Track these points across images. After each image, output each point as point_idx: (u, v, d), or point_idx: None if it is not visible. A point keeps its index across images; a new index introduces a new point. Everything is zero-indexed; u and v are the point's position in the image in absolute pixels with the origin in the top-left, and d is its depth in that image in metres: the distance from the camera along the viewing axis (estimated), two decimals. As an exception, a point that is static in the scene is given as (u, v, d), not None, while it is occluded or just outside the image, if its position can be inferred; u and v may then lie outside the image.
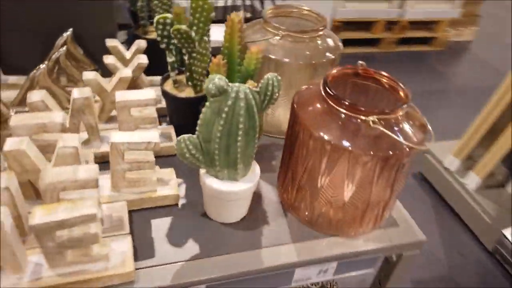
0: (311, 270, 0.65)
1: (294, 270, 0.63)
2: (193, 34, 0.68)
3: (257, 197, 0.72)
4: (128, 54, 0.86)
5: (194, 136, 0.57)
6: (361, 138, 0.57)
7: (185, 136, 0.57)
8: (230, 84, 0.53)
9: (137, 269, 0.57)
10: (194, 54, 0.71)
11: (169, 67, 0.76)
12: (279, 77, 0.57)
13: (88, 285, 0.53)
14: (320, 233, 0.66)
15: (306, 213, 0.67)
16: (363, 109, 0.56)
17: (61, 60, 0.78)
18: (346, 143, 0.56)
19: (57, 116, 0.61)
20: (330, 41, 0.82)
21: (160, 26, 0.71)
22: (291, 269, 0.63)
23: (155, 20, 0.70)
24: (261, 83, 0.56)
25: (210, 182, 0.60)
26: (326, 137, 0.57)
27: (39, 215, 0.47)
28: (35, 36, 0.84)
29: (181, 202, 0.69)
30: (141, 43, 0.86)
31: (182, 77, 0.80)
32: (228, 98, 0.53)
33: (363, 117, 0.57)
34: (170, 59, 0.75)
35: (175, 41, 0.69)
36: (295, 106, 0.64)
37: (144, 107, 0.71)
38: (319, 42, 0.80)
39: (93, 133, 0.72)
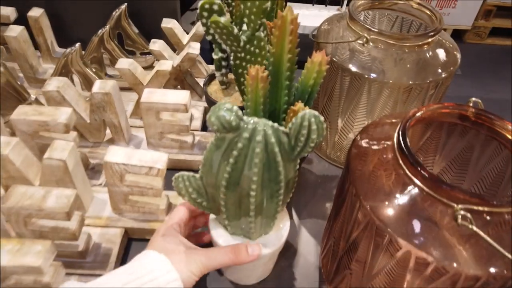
0: None
1: None
2: (235, 30, 0.51)
3: (291, 249, 0.55)
4: (186, 39, 0.73)
5: (197, 175, 0.42)
6: (438, 235, 0.35)
7: (185, 174, 0.42)
8: (245, 118, 0.36)
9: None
10: (240, 55, 0.54)
11: (214, 65, 0.61)
12: (321, 118, 0.37)
13: (43, 334, 0.43)
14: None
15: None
16: (449, 190, 0.34)
17: (105, 38, 0.68)
18: (411, 239, 0.35)
19: (63, 114, 0.51)
20: (441, 53, 0.58)
21: (205, 13, 0.55)
22: None
23: (199, 4, 0.55)
24: (292, 123, 0.37)
25: (216, 235, 0.45)
26: (381, 219, 0.37)
27: (-21, 252, 0.38)
28: (92, 8, 0.76)
29: (194, 238, 0.55)
30: (200, 27, 0.72)
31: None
32: (240, 139, 0.36)
33: (449, 202, 0.35)
34: (216, 55, 0.59)
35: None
36: (352, 153, 0.44)
37: (175, 112, 0.58)
38: (427, 53, 0.56)
39: (117, 132, 0.62)
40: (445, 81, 0.57)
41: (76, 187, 0.49)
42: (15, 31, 0.66)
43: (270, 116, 0.51)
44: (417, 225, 0.36)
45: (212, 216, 0.47)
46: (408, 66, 0.55)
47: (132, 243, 0.54)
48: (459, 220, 0.33)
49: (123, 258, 0.52)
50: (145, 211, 0.53)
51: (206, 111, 0.71)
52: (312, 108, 0.62)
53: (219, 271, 0.51)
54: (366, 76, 0.55)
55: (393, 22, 0.68)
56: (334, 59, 0.57)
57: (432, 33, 0.55)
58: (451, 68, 0.57)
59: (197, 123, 0.68)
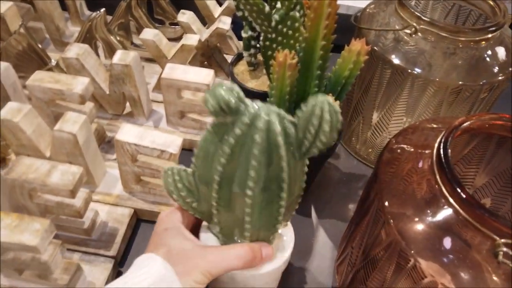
0: None
1: None
2: (267, 8, 0.46)
3: (306, 248, 0.51)
4: (218, 12, 0.69)
5: (189, 170, 0.36)
6: (471, 268, 0.31)
7: (175, 167, 0.36)
8: (247, 101, 0.30)
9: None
10: (271, 35, 0.49)
11: (243, 44, 0.56)
12: (337, 107, 0.29)
13: (40, 310, 0.42)
14: None
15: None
16: (492, 219, 0.29)
17: (133, 5, 0.64)
18: (438, 268, 0.31)
19: (79, 84, 0.49)
20: (501, 52, 0.50)
21: (237, -14, 0.51)
22: None
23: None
24: (301, 111, 0.30)
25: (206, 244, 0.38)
26: (406, 240, 0.32)
27: (-23, 224, 0.36)
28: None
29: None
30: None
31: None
32: (238, 124, 0.30)
33: (490, 234, 0.30)
34: (245, 33, 0.55)
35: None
36: (384, 157, 0.39)
37: (197, 91, 0.55)
38: (484, 50, 0.49)
39: (136, 106, 0.59)
40: (501, 84, 0.50)
41: (86, 161, 0.47)
42: (43, -10, 0.64)
43: (295, 108, 0.46)
44: (447, 253, 0.31)
45: (204, 223, 0.39)
46: (460, 63, 0.49)
47: (141, 224, 0.52)
48: (500, 257, 0.29)
49: (130, 239, 0.50)
50: (156, 193, 0.51)
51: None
52: (345, 100, 0.57)
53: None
54: (409, 70, 0.49)
55: (448, 10, 0.60)
56: (375, 48, 0.52)
57: (493, 28, 0.48)
58: (511, 70, 0.50)
59: (221, 104, 0.65)
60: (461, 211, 0.31)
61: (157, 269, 0.32)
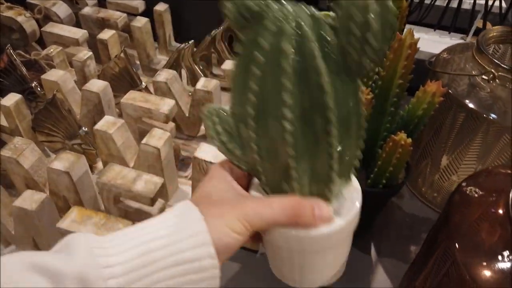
0: None
1: None
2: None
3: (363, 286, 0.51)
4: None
5: (230, 110, 0.30)
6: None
7: (215, 108, 0.30)
8: (271, 4, 0.24)
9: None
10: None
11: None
12: (389, 2, 0.22)
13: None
14: None
15: None
16: None
17: (217, 39, 0.70)
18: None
19: (166, 105, 0.54)
20: None
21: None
22: None
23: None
24: (338, 5, 0.23)
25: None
26: (477, 281, 0.32)
27: (70, 219, 0.41)
28: (210, 9, 0.79)
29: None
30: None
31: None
32: (263, 34, 0.24)
33: None
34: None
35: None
36: (454, 199, 0.39)
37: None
38: None
39: (210, 131, 0.63)
40: None
41: (164, 175, 0.52)
42: (141, 22, 0.72)
43: (367, 142, 0.47)
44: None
45: (255, 180, 0.32)
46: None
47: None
48: None
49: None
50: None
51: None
52: (415, 140, 0.57)
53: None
54: (485, 116, 0.49)
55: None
56: (449, 90, 0.52)
57: None
58: None
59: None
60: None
61: (189, 216, 0.27)
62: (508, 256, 0.32)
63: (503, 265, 0.32)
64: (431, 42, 0.87)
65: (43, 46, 0.72)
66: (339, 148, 0.26)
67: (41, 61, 0.63)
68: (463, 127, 0.52)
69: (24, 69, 0.59)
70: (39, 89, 0.60)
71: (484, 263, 0.33)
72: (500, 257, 0.33)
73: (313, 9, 0.24)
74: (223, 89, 0.73)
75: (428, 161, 0.59)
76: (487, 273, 0.32)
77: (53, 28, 0.70)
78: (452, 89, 0.52)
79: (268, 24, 0.23)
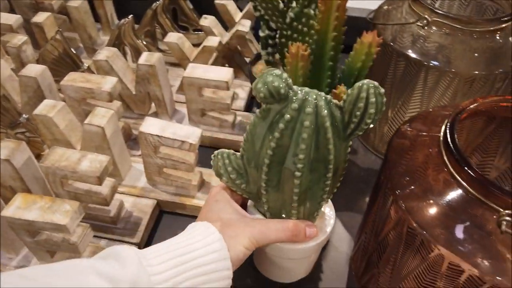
0: None
1: None
2: (281, 5, 0.48)
3: (326, 246, 0.52)
4: (238, 17, 0.72)
5: (238, 154, 0.39)
6: (477, 241, 0.31)
7: (225, 152, 0.39)
8: (295, 88, 0.32)
9: None
10: (286, 32, 0.52)
11: (260, 43, 0.59)
12: (382, 90, 0.32)
13: (70, 291, 0.45)
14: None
15: (374, 300, 0.44)
16: (495, 192, 0.30)
17: (158, 12, 0.68)
18: (444, 242, 0.31)
19: (107, 83, 0.53)
20: (516, 41, 0.51)
21: (254, -13, 0.53)
22: None
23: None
24: (347, 94, 0.32)
25: None
26: (414, 217, 0.33)
27: (15, 205, 0.40)
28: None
29: (224, 218, 0.54)
30: (253, 5, 0.70)
31: (281, 58, 0.62)
32: (287, 109, 0.32)
33: (494, 206, 0.30)
34: (262, 33, 0.57)
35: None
36: (393, 142, 0.40)
37: (217, 89, 0.57)
38: (499, 41, 0.50)
39: (160, 106, 0.62)
40: (516, 73, 0.50)
41: (113, 154, 0.51)
42: (77, 2, 0.69)
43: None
44: (452, 228, 0.32)
45: (250, 202, 0.42)
46: (475, 54, 0.49)
47: (164, 214, 0.55)
48: (503, 227, 0.29)
49: (153, 229, 0.53)
50: (178, 185, 0.53)
51: (252, 92, 0.70)
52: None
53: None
54: (424, 62, 0.50)
55: (465, 7, 0.61)
56: (391, 44, 0.53)
57: (506, 18, 0.49)
58: (527, 60, 0.50)
59: (240, 103, 0.67)
60: (466, 186, 0.32)
61: (205, 234, 0.35)
62: (440, 188, 0.34)
63: (436, 196, 0.33)
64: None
65: (-24, 37, 0.68)
66: (329, 185, 0.36)
67: (-27, 51, 0.59)
68: (404, 77, 0.53)
69: (-46, 61, 0.56)
70: (-27, 80, 0.57)
71: (419, 197, 0.34)
72: (434, 189, 0.34)
73: (324, 94, 0.32)
74: (171, 64, 0.72)
75: (377, 114, 0.60)
76: (422, 205, 0.34)
77: (-17, 15, 0.66)
78: (397, 43, 0.53)
79: (293, 104, 0.31)
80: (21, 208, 0.40)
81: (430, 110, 0.44)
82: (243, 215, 0.38)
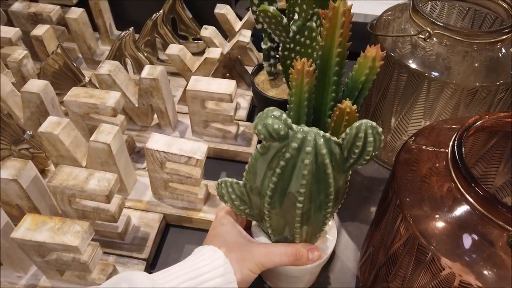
0: None
1: None
2: (284, 20, 0.48)
3: (331, 257, 0.52)
4: (238, 26, 0.72)
5: (241, 182, 0.40)
6: (488, 259, 0.31)
7: (228, 180, 0.40)
8: (293, 127, 0.33)
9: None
10: (289, 46, 0.52)
11: (262, 55, 0.59)
12: (379, 129, 0.33)
13: (79, 309, 0.45)
14: None
15: (383, 313, 0.45)
16: (505, 211, 0.30)
17: (158, 23, 0.68)
18: (456, 260, 0.32)
19: (111, 98, 0.53)
20: (517, 52, 0.51)
21: (256, 1, 0.53)
22: None
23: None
24: (346, 133, 0.34)
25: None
26: (424, 234, 0.34)
27: (24, 227, 0.40)
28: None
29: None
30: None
31: (282, 69, 0.62)
32: (288, 149, 0.33)
33: (504, 225, 0.31)
34: (264, 45, 0.57)
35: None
36: (401, 157, 0.40)
37: (220, 101, 0.57)
38: (499, 52, 0.50)
39: (163, 118, 0.62)
40: (517, 84, 0.51)
41: (119, 170, 0.51)
42: (76, 13, 0.69)
43: (315, 113, 0.48)
44: (464, 246, 0.32)
45: (254, 222, 0.45)
46: (476, 65, 0.50)
47: (170, 228, 0.55)
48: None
49: (160, 243, 0.53)
50: (184, 199, 0.53)
51: (253, 101, 0.70)
52: (364, 105, 0.59)
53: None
54: (426, 74, 0.50)
55: (464, 15, 0.61)
56: (391, 54, 0.53)
57: (507, 30, 0.49)
58: (527, 70, 0.50)
59: (243, 113, 0.67)
60: (476, 204, 0.32)
61: (212, 258, 0.36)
62: (450, 206, 0.34)
63: (447, 217, 0.34)
64: (377, 4, 0.87)
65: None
66: (330, 210, 0.38)
67: (-27, 66, 0.59)
68: (406, 87, 0.54)
69: (-46, 77, 0.55)
70: (-26, 96, 0.56)
71: (429, 214, 0.35)
72: (444, 207, 0.35)
73: (323, 132, 0.33)
74: (172, 74, 0.72)
75: (379, 124, 0.61)
76: (432, 223, 0.34)
77: (-19, 29, 0.65)
78: (395, 52, 0.53)
79: (293, 144, 0.33)
80: (31, 229, 0.40)
81: (434, 124, 0.45)
82: (249, 240, 0.40)
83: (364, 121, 0.33)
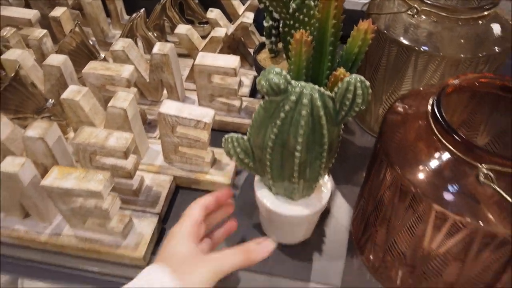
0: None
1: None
2: (285, -4, 0.53)
3: (324, 211, 0.57)
4: (241, 10, 0.77)
5: (245, 137, 0.45)
6: (459, 192, 0.36)
7: (234, 136, 0.45)
8: (293, 82, 0.38)
9: (155, 254, 0.52)
10: (289, 22, 0.57)
11: (264, 33, 0.64)
12: (367, 83, 0.38)
13: (100, 256, 0.50)
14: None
15: (372, 258, 0.50)
16: (474, 149, 0.35)
17: (167, 6, 0.73)
18: (432, 195, 0.37)
19: (126, 70, 0.58)
20: (496, 28, 0.56)
21: (258, -19, 0.58)
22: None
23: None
24: (338, 87, 0.39)
25: (261, 195, 0.48)
26: (406, 176, 0.39)
27: (52, 177, 0.45)
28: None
29: (234, 193, 0.59)
30: (255, -1, 0.75)
31: (283, 47, 0.67)
32: (287, 101, 0.38)
33: (474, 162, 0.36)
34: (266, 23, 0.62)
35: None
36: (387, 117, 0.45)
37: (225, 75, 0.62)
38: (482, 27, 0.55)
39: (172, 93, 0.67)
40: (498, 56, 0.56)
41: (134, 134, 0.55)
42: (91, -2, 0.74)
43: (312, 81, 0.53)
44: (439, 182, 0.37)
45: (257, 177, 0.50)
46: (460, 39, 0.55)
47: (180, 190, 0.60)
48: (481, 178, 0.35)
49: (170, 203, 0.58)
50: (192, 163, 0.58)
51: (255, 80, 0.75)
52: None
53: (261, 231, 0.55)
54: (415, 47, 0.55)
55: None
56: (385, 32, 0.58)
57: (488, 7, 0.54)
58: (507, 45, 0.55)
59: (246, 90, 0.72)
60: (448, 145, 0.37)
61: (158, 277, 0.36)
62: (429, 152, 0.39)
63: (426, 157, 0.39)
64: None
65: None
66: (325, 162, 0.42)
67: (-3, 43, 0.64)
68: (396, 62, 0.59)
69: (-19, 53, 0.60)
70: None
71: (411, 162, 0.40)
72: (424, 154, 0.40)
73: (318, 87, 0.38)
74: (180, 55, 0.77)
75: (372, 97, 0.66)
76: (414, 169, 0.39)
77: (4, 10, 0.70)
78: (388, 29, 0.58)
79: (291, 97, 0.37)
80: (58, 178, 0.45)
81: (420, 89, 0.50)
82: (196, 251, 0.39)
83: (353, 75, 0.38)
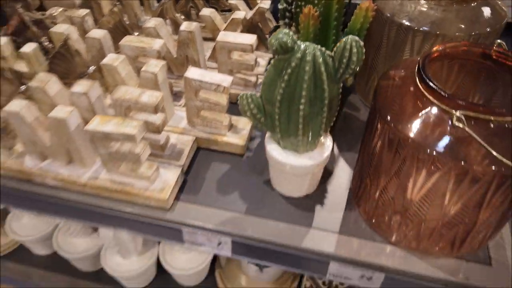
0: (350, 270, 0.56)
1: (328, 261, 0.56)
2: (296, -22, 0.61)
3: (327, 173, 0.64)
4: (260, -1, 0.85)
5: (258, 94, 0.53)
6: (437, 136, 0.43)
7: (248, 93, 0.52)
8: (298, 42, 0.46)
9: (178, 200, 0.59)
10: (300, 3, 0.65)
11: (279, 15, 0.72)
12: (361, 43, 0.46)
13: (128, 197, 0.58)
14: (378, 236, 0.56)
15: (366, 209, 0.56)
16: (449, 98, 0.42)
17: (194, -7, 0.82)
18: (414, 138, 0.44)
19: (156, 43, 0.66)
20: (486, 10, 0.63)
21: (275, -31, 0.66)
22: (325, 259, 0.56)
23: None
24: (336, 47, 0.46)
25: (270, 149, 0.56)
26: (396, 125, 0.45)
27: (95, 123, 0.54)
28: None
29: (248, 155, 0.67)
30: (273, -12, 0.83)
31: (296, 29, 0.75)
32: (293, 59, 0.45)
33: (449, 109, 0.42)
34: (281, 5, 0.70)
35: (283, -15, 0.64)
36: (381, 83, 0.52)
37: (244, 52, 0.70)
38: (474, 9, 0.62)
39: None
40: (488, 35, 0.62)
41: (163, 97, 0.64)
42: (127, -15, 0.83)
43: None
44: (421, 127, 0.44)
45: (268, 134, 0.57)
46: (454, 19, 0.61)
47: (200, 151, 0.68)
48: (455, 122, 0.41)
49: (192, 159, 0.66)
50: (212, 126, 0.66)
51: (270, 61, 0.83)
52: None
53: (269, 185, 0.63)
54: (414, 27, 0.62)
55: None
56: (388, 15, 0.65)
57: (479, -10, 0.61)
58: (497, 25, 0.62)
59: (261, 69, 0.80)
60: (430, 97, 0.44)
61: None
62: (414, 104, 0.46)
63: (410, 111, 0.45)
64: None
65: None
66: (325, 118, 0.50)
67: (46, 20, 0.74)
68: (396, 40, 0.66)
69: (34, 27, 0.70)
70: (48, 43, 0.71)
71: (399, 112, 0.47)
72: (410, 106, 0.46)
73: (319, 46, 0.45)
74: (204, 39, 0.85)
75: (375, 75, 0.73)
76: (400, 117, 0.46)
77: (51, -6, 0.81)
78: (390, 11, 0.65)
79: (297, 53, 0.44)
80: (100, 124, 0.53)
81: (410, 59, 0.56)
82: None
83: (349, 36, 0.45)
